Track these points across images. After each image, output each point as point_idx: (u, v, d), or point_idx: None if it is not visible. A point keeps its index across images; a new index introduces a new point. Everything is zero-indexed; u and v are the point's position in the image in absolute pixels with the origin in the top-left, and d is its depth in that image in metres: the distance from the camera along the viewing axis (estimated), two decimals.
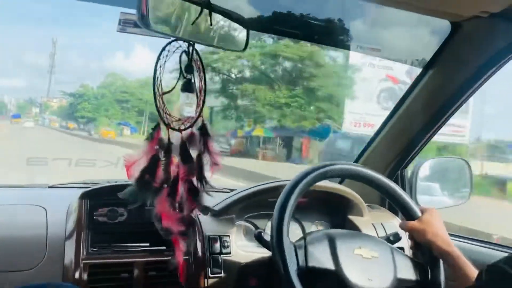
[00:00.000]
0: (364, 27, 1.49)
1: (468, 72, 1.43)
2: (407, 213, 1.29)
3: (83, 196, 1.39)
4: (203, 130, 1.13)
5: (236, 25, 1.09)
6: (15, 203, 1.47)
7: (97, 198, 1.40)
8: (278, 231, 1.17)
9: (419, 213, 1.28)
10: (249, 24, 1.12)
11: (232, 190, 1.68)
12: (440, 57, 1.48)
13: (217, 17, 1.05)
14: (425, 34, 1.53)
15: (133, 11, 0.98)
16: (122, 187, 1.41)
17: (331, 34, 1.47)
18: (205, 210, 1.21)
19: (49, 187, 1.72)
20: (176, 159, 1.11)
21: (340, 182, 1.92)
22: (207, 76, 1.10)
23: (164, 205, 1.10)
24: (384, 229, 1.63)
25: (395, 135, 1.74)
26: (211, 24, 1.00)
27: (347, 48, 1.77)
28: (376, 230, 1.62)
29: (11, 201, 1.50)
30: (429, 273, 1.25)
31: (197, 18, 1.00)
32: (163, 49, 1.01)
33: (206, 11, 1.01)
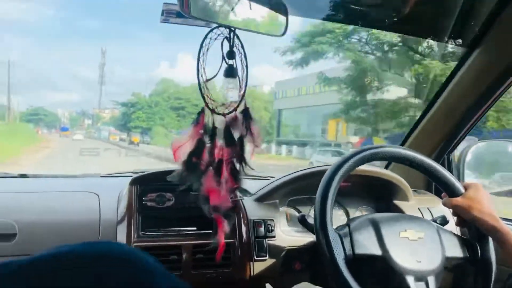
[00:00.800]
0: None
1: None
2: (450, 190, 1.26)
3: (133, 182, 1.45)
4: (246, 113, 1.15)
5: (275, 9, 1.10)
6: (70, 190, 1.56)
7: (146, 183, 1.46)
8: (322, 214, 1.18)
9: (463, 189, 1.25)
10: (288, 8, 1.13)
11: (271, 177, 1.70)
12: (487, 35, 1.43)
13: (256, 1, 1.06)
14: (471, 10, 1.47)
15: (175, 1, 1.02)
16: (170, 172, 1.47)
17: (373, 15, 1.45)
18: (244, 192, 1.23)
19: (101, 177, 1.81)
20: (220, 142, 1.14)
21: (386, 167, 1.90)
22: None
23: (211, 185, 1.13)
24: (431, 213, 1.60)
25: (441, 117, 1.70)
26: (250, 8, 1.02)
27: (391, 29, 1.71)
28: (422, 214, 1.59)
29: (67, 188, 1.59)
30: (479, 250, 1.23)
31: (237, 3, 1.02)
32: (206, 36, 1.04)
33: None
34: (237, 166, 1.17)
